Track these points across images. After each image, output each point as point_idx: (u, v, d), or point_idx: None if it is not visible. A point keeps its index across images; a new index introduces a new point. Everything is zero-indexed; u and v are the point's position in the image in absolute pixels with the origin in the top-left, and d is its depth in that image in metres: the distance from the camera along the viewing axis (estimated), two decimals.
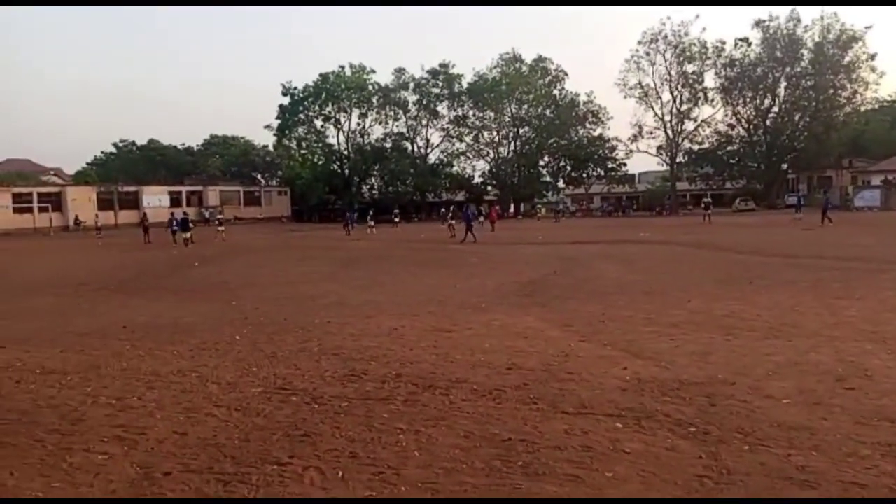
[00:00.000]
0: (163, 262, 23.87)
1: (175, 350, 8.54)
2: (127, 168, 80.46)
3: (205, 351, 8.44)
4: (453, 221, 36.97)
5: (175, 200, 62.51)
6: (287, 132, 76.41)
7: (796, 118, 68.18)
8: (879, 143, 67.92)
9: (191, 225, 34.11)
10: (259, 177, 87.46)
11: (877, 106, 71.70)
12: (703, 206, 45.39)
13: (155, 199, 61.32)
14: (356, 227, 45.45)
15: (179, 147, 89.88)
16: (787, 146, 69.51)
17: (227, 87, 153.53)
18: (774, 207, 62.02)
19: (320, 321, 10.41)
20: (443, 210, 55.13)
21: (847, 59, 63.54)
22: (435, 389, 6.37)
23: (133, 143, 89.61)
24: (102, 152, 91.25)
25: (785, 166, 71.95)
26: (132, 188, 63.01)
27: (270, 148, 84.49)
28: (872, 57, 62.85)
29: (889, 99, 75.28)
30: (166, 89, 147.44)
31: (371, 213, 49.82)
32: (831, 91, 64.52)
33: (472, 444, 4.92)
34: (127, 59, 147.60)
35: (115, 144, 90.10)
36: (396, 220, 53.89)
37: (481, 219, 48.07)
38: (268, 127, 76.77)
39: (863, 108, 68.44)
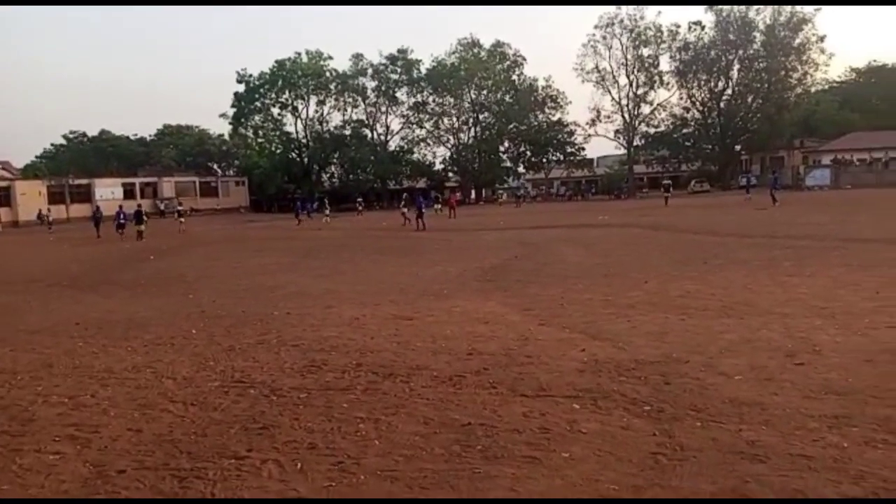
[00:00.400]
0: (116, 256, 23.32)
1: (129, 346, 8.36)
2: (78, 160, 78.20)
3: (160, 346, 8.28)
4: (406, 210, 36.26)
5: (129, 192, 61.07)
6: (243, 121, 74.86)
7: (749, 100, 69.50)
8: (829, 124, 69.93)
9: (145, 217, 33.25)
10: (215, 167, 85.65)
11: (826, 87, 73.74)
12: (663, 188, 46.09)
13: (108, 191, 59.76)
14: (314, 216, 44.88)
15: (132, 137, 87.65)
16: (740, 128, 70.96)
17: (181, 75, 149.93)
18: (729, 188, 63.35)
19: (279, 312, 10.30)
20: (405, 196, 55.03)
21: (798, 40, 64.89)
22: (395, 377, 6.37)
23: (84, 134, 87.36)
24: (52, 144, 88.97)
25: (738, 148, 73.43)
26: (84, 181, 61.32)
27: (226, 137, 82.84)
28: (822, 38, 64.41)
29: (838, 80, 77.39)
30: (117, 78, 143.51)
31: (326, 201, 49.29)
32: (783, 73, 65.87)
33: (432, 431, 4.93)
34: (76, 48, 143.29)
35: (65, 136, 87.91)
36: (360, 207, 53.60)
37: (438, 206, 47.89)
38: (223, 115, 75.26)
39: (813, 90, 70.27)
